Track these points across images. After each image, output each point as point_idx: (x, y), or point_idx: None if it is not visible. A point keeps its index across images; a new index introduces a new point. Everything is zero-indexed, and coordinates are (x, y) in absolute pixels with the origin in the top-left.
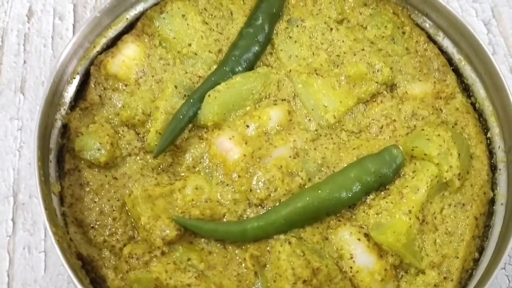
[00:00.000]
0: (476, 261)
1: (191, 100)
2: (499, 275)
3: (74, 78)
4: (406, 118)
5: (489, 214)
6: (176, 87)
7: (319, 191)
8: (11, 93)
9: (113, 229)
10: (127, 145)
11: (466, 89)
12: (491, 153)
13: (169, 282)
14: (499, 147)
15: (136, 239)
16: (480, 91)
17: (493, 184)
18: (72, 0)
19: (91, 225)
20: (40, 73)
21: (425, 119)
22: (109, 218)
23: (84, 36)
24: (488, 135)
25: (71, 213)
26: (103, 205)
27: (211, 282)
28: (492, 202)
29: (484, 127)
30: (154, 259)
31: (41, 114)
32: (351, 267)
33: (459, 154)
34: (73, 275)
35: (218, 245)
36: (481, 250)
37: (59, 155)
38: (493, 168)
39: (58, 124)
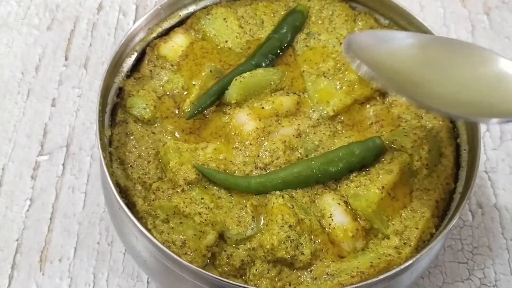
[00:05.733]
0: (433, 235)
1: (221, 82)
2: (460, 268)
3: (133, 54)
4: (392, 119)
5: (450, 201)
6: (211, 71)
7: (312, 162)
8: (76, 67)
9: (147, 169)
10: (166, 110)
11: None
12: (459, 155)
13: (185, 210)
14: (464, 150)
15: (163, 179)
16: None
17: (456, 179)
18: (135, 1)
19: (130, 164)
20: (101, 55)
21: (407, 122)
22: (145, 161)
23: (145, 23)
24: (458, 140)
25: (116, 153)
26: (141, 151)
27: (217, 217)
28: (453, 192)
29: (456, 134)
30: (175, 194)
31: (105, 74)
32: (329, 224)
33: (429, 150)
34: (113, 187)
35: (226, 193)
36: (438, 227)
37: (113, 109)
38: (459, 166)
39: (116, 86)
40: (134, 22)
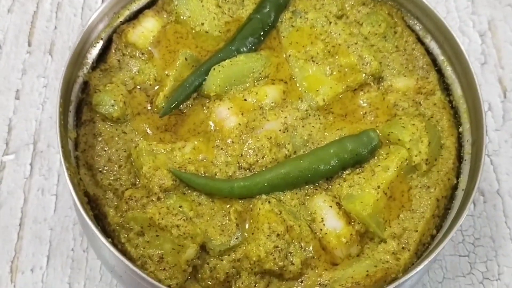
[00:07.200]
0: (434, 237)
1: (198, 72)
2: (461, 262)
3: (98, 42)
4: (388, 107)
5: (451, 198)
6: (186, 59)
7: (301, 161)
8: (41, 54)
9: (118, 175)
10: (137, 105)
11: (446, 88)
12: (461, 146)
13: (161, 222)
14: (467, 141)
15: (137, 185)
16: (457, 90)
17: (458, 173)
18: None
19: (99, 170)
20: (68, 39)
21: (404, 110)
22: (116, 165)
23: (110, 7)
24: (460, 129)
25: (83, 157)
26: (111, 154)
27: (197, 227)
28: (455, 188)
29: (458, 123)
30: (151, 203)
31: (66, 69)
32: (321, 229)
33: (429, 143)
34: (80, 205)
35: (207, 198)
36: (439, 228)
37: (78, 107)
38: (460, 158)
39: (80, 80)
40: (102, 0)
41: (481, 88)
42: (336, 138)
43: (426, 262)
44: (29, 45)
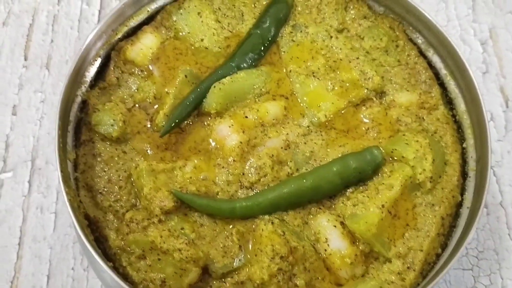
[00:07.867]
0: (439, 256)
1: (198, 89)
2: (465, 275)
3: (96, 60)
4: (390, 123)
5: (456, 215)
6: (186, 76)
7: (304, 180)
8: (37, 68)
9: (118, 196)
10: (137, 124)
11: (449, 102)
12: (465, 162)
13: (163, 246)
14: (471, 157)
15: (138, 207)
16: (461, 104)
17: (463, 190)
18: None
19: (99, 191)
20: (64, 52)
21: (407, 125)
22: (116, 186)
23: (108, 24)
24: (464, 145)
25: (83, 178)
26: (111, 175)
27: (199, 250)
28: (460, 205)
29: (461, 138)
30: (152, 225)
31: (64, 89)
32: (325, 250)
33: (433, 160)
34: (80, 230)
35: (209, 219)
36: (444, 247)
37: (77, 127)
38: (464, 175)
39: (79, 99)
40: (100, 12)
41: (483, 98)
42: (339, 155)
43: (432, 284)
44: (25, 59)
